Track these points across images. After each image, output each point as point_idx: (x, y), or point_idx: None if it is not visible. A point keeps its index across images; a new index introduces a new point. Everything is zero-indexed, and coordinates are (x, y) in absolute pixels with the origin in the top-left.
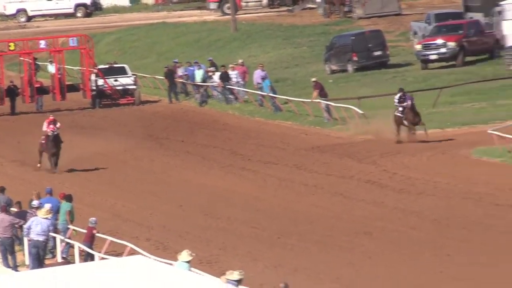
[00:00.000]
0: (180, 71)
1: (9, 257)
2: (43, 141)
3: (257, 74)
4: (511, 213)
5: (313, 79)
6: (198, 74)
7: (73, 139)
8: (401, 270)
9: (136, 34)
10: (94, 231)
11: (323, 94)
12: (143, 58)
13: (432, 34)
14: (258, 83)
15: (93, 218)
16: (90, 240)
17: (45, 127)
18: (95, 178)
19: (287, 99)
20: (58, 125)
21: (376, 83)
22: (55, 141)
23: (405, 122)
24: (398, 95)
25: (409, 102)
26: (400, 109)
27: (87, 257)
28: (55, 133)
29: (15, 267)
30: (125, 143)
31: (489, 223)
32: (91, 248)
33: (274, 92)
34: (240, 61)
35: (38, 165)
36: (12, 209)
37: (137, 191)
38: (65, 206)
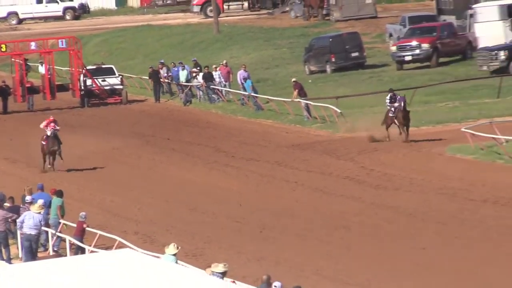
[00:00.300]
0: (162, 72)
1: (3, 250)
2: (44, 142)
3: (240, 75)
4: (484, 208)
5: (293, 79)
6: (182, 75)
7: (63, 137)
8: (378, 262)
9: (122, 36)
10: (84, 225)
11: (302, 94)
12: (129, 59)
13: (406, 36)
14: (242, 83)
15: (83, 213)
16: (80, 234)
17: (43, 126)
18: (84, 174)
19: (268, 98)
20: (58, 126)
21: (353, 83)
22: (54, 140)
23: (396, 122)
24: (389, 95)
25: (401, 103)
26: (392, 109)
27: (78, 250)
28: (55, 132)
29: (9, 260)
30: (113, 141)
31: (463, 218)
32: (82, 242)
33: (256, 92)
34: (224, 62)
35: (44, 167)
36: (5, 204)
37: (125, 187)
38: (56, 201)
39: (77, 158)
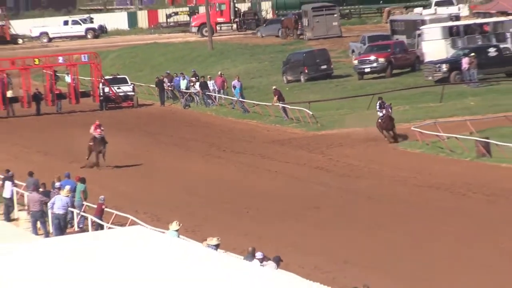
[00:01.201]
0: (167, 81)
1: (41, 226)
2: (91, 143)
3: (234, 84)
4: (429, 192)
5: (274, 87)
6: (183, 83)
7: (84, 134)
8: (343, 236)
9: (133, 51)
10: (103, 206)
11: (281, 99)
12: (139, 71)
13: (366, 52)
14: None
15: (102, 196)
16: (100, 213)
17: (92, 130)
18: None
19: (254, 103)
20: (102, 128)
21: (322, 90)
22: (101, 142)
23: (382, 126)
24: (378, 102)
25: (389, 110)
26: (381, 115)
27: (98, 227)
28: (101, 135)
29: (47, 234)
30: (125, 137)
31: (412, 200)
32: (101, 220)
33: (243, 98)
34: (219, 73)
35: (86, 159)
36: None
37: (135, 175)
38: (79, 187)
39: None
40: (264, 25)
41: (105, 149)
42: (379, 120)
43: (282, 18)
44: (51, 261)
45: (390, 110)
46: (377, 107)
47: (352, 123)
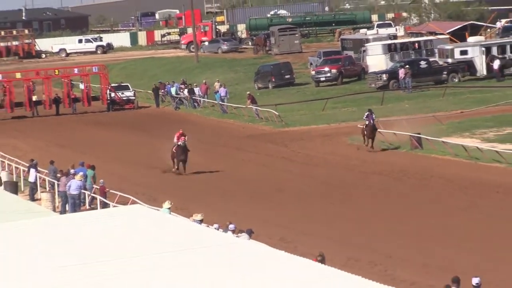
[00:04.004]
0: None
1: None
2: (174, 150)
3: (220, 90)
4: (372, 178)
5: (248, 92)
6: (173, 90)
7: (94, 131)
8: (303, 213)
9: (134, 64)
10: (106, 190)
11: (254, 102)
12: (139, 80)
13: (321, 64)
14: (221, 95)
15: (102, 180)
16: (103, 194)
17: (175, 139)
18: (107, 155)
19: (231, 105)
20: (186, 138)
21: (286, 95)
22: (183, 150)
23: (365, 133)
24: (366, 113)
25: (371, 121)
26: (367, 123)
27: (105, 205)
28: (184, 143)
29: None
30: (128, 133)
31: (358, 184)
32: (106, 199)
33: (223, 101)
34: (204, 81)
35: (173, 169)
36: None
37: (134, 163)
38: (89, 173)
39: (102, 144)
40: (207, 43)
41: (187, 158)
42: (363, 127)
43: (254, 38)
44: (67, 232)
45: (372, 121)
46: (364, 116)
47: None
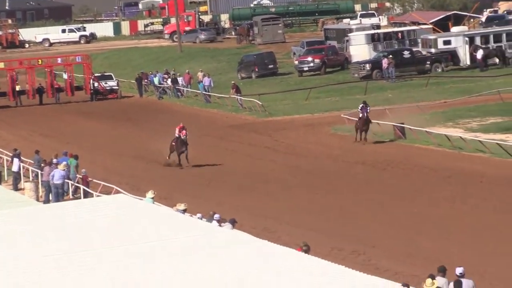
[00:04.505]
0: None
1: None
2: (173, 143)
3: (204, 80)
4: (356, 167)
5: (232, 82)
6: (156, 79)
7: (78, 120)
8: (287, 203)
9: (118, 54)
10: (88, 179)
11: (238, 91)
12: (122, 69)
13: (305, 54)
14: (205, 85)
15: (84, 170)
16: (86, 184)
17: (177, 133)
18: (91, 144)
19: (214, 95)
20: (186, 132)
21: (269, 85)
22: (183, 143)
23: (358, 126)
24: (361, 105)
25: (364, 113)
26: (360, 116)
27: (88, 195)
28: (185, 137)
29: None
30: (111, 123)
31: (341, 173)
32: (88, 188)
33: (206, 91)
34: (187, 70)
35: (167, 157)
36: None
37: (118, 153)
38: (73, 162)
39: (87, 134)
40: (184, 34)
41: (187, 150)
42: (356, 120)
43: (237, 27)
44: (50, 222)
45: (366, 114)
46: (359, 108)
47: None
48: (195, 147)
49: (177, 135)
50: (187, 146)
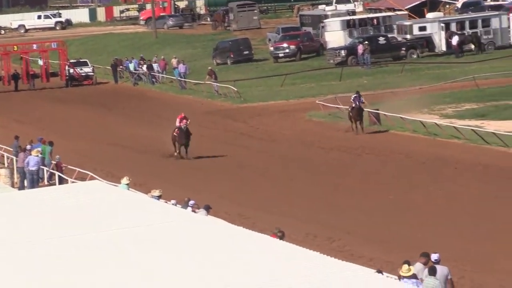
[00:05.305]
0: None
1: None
2: (175, 134)
3: (180, 67)
4: (331, 153)
5: (209, 68)
6: (131, 66)
7: (53, 107)
8: (262, 189)
9: (93, 40)
10: (63, 165)
11: (215, 78)
12: (98, 55)
13: (280, 40)
14: (181, 72)
15: (58, 156)
16: (60, 170)
17: (177, 123)
18: (66, 131)
19: (190, 81)
20: (188, 121)
21: (245, 71)
22: (185, 134)
23: (351, 116)
24: (354, 95)
25: (357, 103)
26: (353, 105)
27: (62, 181)
28: (186, 127)
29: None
30: (87, 109)
31: (317, 159)
32: (62, 174)
33: (181, 77)
34: (162, 57)
35: (175, 153)
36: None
37: (93, 139)
38: (47, 149)
39: (62, 120)
40: (156, 19)
41: (189, 141)
42: (349, 110)
43: (212, 14)
44: (25, 208)
45: (358, 103)
46: (352, 98)
47: None
48: (169, 133)
49: (177, 125)
50: (189, 137)
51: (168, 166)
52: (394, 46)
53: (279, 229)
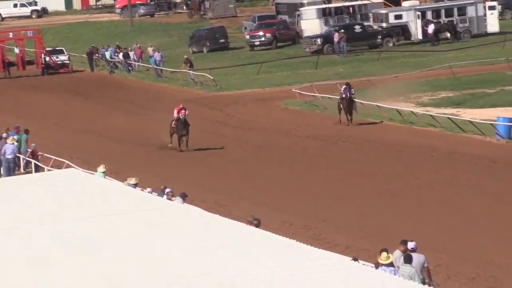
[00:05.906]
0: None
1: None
2: (173, 125)
3: (155, 55)
4: (307, 142)
5: (185, 56)
6: (107, 54)
7: (29, 95)
8: (238, 177)
9: (69, 28)
10: (38, 153)
11: (192, 66)
12: (74, 44)
13: (256, 29)
14: (156, 60)
15: (33, 144)
16: (36, 158)
17: (175, 114)
18: (44, 120)
19: (166, 69)
20: (186, 112)
21: (221, 59)
22: (184, 125)
23: (342, 107)
24: (344, 86)
25: (348, 94)
26: (343, 96)
27: (38, 169)
28: (185, 117)
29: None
30: (63, 97)
31: (294, 148)
32: (38, 162)
33: (157, 65)
34: (138, 45)
35: (169, 145)
36: None
37: (70, 128)
38: (23, 137)
39: (38, 109)
40: (126, 8)
41: (188, 132)
42: (339, 101)
43: (188, 2)
44: (0, 196)
45: (348, 94)
46: (342, 90)
47: None
48: (145, 121)
49: (175, 116)
50: (188, 128)
51: (143, 154)
52: (370, 34)
53: (253, 217)
